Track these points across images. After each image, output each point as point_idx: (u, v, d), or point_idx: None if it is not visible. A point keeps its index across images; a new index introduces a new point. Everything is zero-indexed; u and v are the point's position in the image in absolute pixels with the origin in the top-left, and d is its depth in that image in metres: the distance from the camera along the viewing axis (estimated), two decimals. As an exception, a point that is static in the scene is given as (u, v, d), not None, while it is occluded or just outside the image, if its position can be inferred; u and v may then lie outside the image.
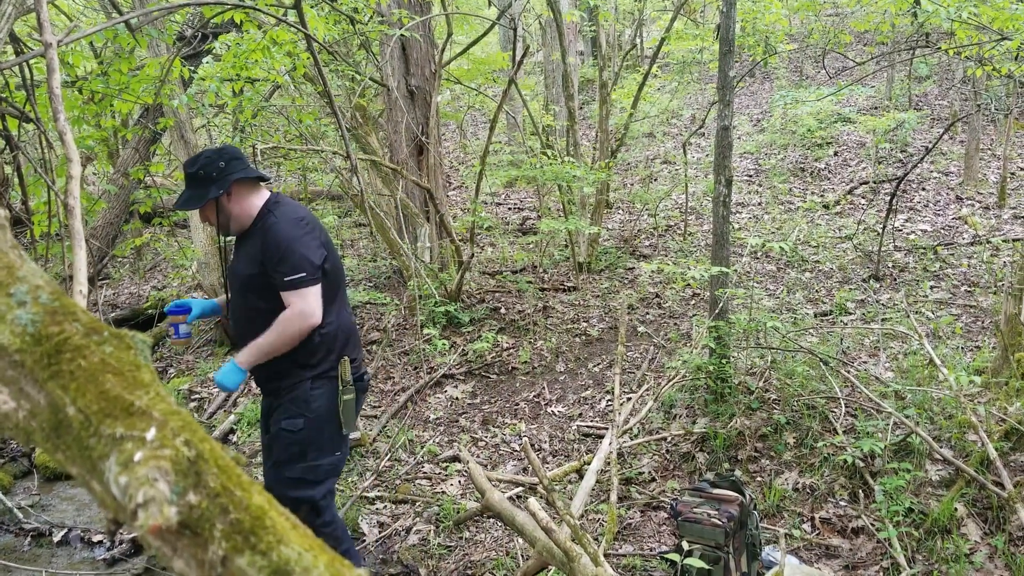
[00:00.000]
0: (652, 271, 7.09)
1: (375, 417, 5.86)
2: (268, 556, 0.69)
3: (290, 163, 8.55)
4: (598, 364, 6.27)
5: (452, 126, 14.36)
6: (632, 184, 10.37)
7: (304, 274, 3.15)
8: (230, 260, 3.51)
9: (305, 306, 3.19)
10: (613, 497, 3.64)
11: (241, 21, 5.15)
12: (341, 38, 6.67)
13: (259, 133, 6.90)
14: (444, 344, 6.40)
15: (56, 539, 4.60)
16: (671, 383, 5.33)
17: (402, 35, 6.16)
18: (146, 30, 4.07)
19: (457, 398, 6.12)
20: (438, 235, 7.35)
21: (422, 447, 5.43)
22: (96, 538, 4.58)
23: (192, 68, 5.50)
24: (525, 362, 6.40)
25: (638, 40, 12.32)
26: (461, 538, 4.52)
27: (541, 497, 4.29)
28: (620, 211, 9.75)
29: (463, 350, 6.58)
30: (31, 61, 3.39)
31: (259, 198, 3.29)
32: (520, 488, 4.68)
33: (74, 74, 4.19)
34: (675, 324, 6.69)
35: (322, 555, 0.71)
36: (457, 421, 5.83)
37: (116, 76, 4.33)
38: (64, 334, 0.78)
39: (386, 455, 5.27)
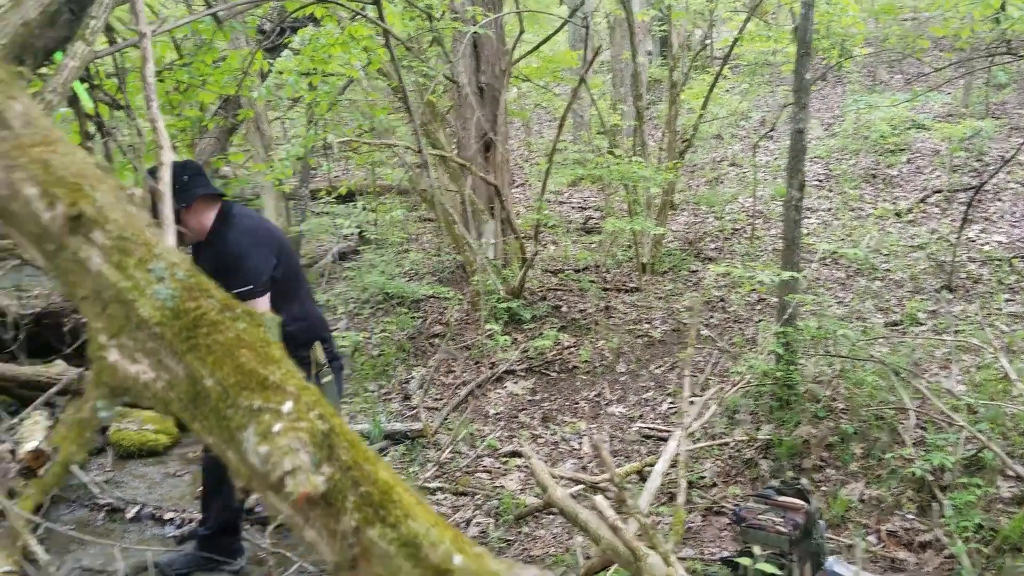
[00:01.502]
0: (719, 274, 7.02)
1: (436, 409, 5.92)
2: (397, 529, 0.71)
3: (360, 157, 8.67)
4: (660, 366, 6.24)
5: (516, 124, 14.39)
6: (698, 186, 10.28)
7: (251, 286, 3.34)
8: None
9: None
10: (680, 499, 3.63)
11: (320, 16, 5.24)
12: (415, 34, 6.74)
13: (332, 127, 7.02)
14: (506, 340, 6.43)
15: (129, 515, 4.74)
16: (736, 388, 5.28)
17: (475, 32, 6.20)
18: (230, 23, 4.17)
19: (517, 394, 6.15)
20: (502, 232, 7.39)
21: (482, 441, 5.46)
22: (167, 516, 4.71)
23: (270, 61, 5.62)
24: (586, 361, 6.39)
25: (709, 40, 12.18)
26: (520, 533, 4.55)
27: (607, 495, 4.29)
28: (685, 213, 9.68)
29: (524, 347, 6.60)
30: (121, 49, 3.51)
31: (214, 211, 3.48)
32: (580, 486, 4.68)
33: (160, 64, 4.32)
34: (740, 329, 6.62)
35: (447, 531, 0.73)
36: (517, 417, 5.85)
37: (200, 67, 4.45)
38: (201, 309, 0.82)
39: (447, 447, 5.32)
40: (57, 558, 4.20)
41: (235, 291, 3.28)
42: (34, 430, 5.11)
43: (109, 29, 3.78)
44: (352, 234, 8.84)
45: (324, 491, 0.71)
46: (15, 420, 5.46)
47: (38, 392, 5.86)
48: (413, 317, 7.24)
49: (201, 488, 4.29)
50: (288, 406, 0.75)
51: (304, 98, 6.14)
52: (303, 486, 0.68)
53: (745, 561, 2.93)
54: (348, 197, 9.09)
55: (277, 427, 0.72)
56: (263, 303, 3.43)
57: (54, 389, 5.79)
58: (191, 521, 4.63)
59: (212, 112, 5.36)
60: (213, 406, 0.79)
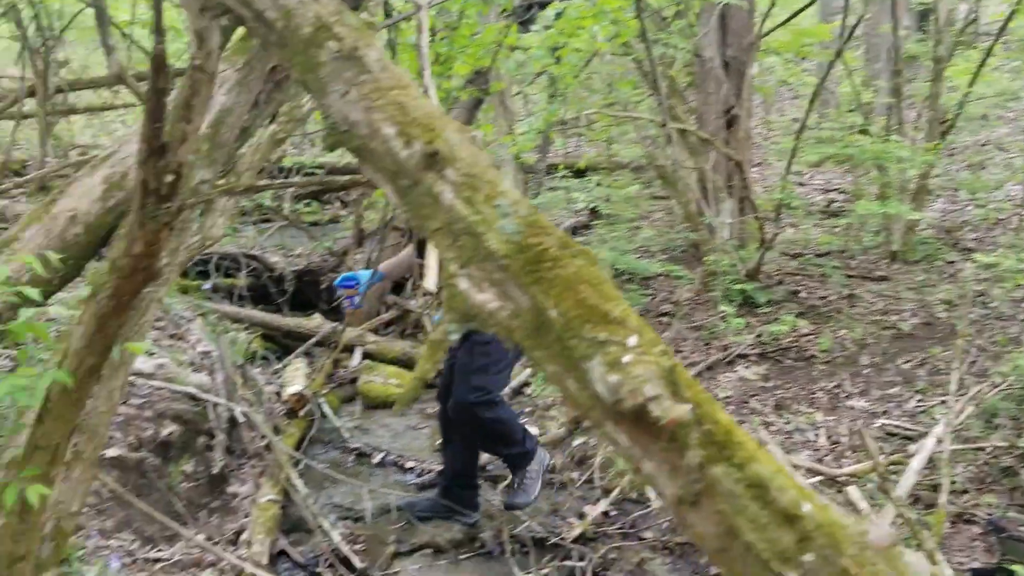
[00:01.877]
0: (983, 266, 6.43)
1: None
2: (743, 470, 0.71)
3: (596, 133, 8.70)
4: (908, 361, 5.82)
5: (754, 100, 13.85)
6: (957, 170, 9.45)
7: None
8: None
9: None
10: (942, 499, 3.38)
11: (573, -10, 5.29)
12: (662, 7, 6.67)
13: (574, 101, 7.10)
14: (739, 323, 6.25)
15: (374, 461, 5.10)
16: (997, 390, 4.84)
17: (725, 4, 6.04)
18: (492, -3, 4.32)
19: (749, 379, 5.96)
20: (740, 211, 7.18)
21: (711, 423, 5.36)
22: (408, 464, 5.03)
23: (519, 35, 5.76)
24: (825, 350, 6.08)
25: (974, 14, 11.13)
26: (749, 519, 4.42)
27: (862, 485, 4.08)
28: (942, 199, 8.93)
29: (758, 331, 6.38)
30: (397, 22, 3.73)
31: None
32: (819, 477, 4.48)
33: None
34: (1002, 327, 6.04)
35: (790, 479, 0.72)
36: (747, 403, 5.68)
37: (458, 40, 4.65)
38: (543, 245, 0.86)
39: (675, 426, 5.26)
40: (313, 492, 4.59)
41: None
42: (295, 375, 5.61)
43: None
44: (585, 209, 8.93)
45: (689, 420, 0.72)
46: (279, 366, 6.03)
47: (299, 342, 6.43)
48: (642, 294, 7.20)
49: (440, 441, 4.54)
50: (633, 340, 0.76)
51: (547, 72, 6.25)
52: (672, 412, 0.69)
53: (1020, 570, 2.68)
54: (582, 173, 9.18)
55: (627, 358, 0.74)
56: None
57: (312, 340, 6.33)
58: (430, 471, 4.91)
59: (464, 84, 5.59)
60: (556, 336, 0.82)
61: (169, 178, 1.62)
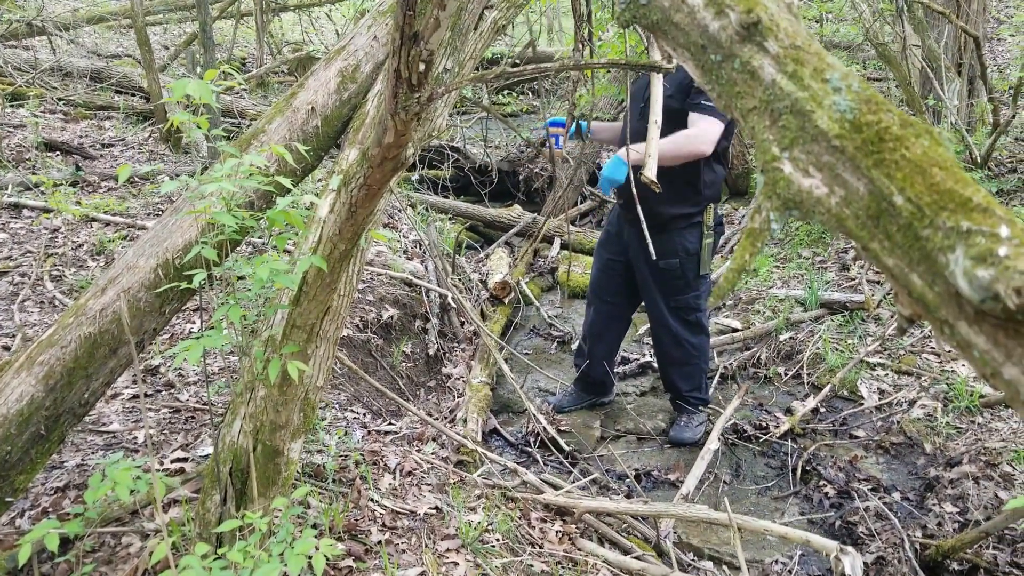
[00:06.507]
0: None
1: (878, 283, 5.56)
2: None
3: (804, 11, 8.08)
4: None
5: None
6: None
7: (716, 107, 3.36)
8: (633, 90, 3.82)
9: (706, 132, 3.37)
10: None
11: None
12: None
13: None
14: (965, 215, 5.75)
15: (574, 347, 5.17)
16: None
17: None
18: None
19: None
20: (968, 93, 6.52)
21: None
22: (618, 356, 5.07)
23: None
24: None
25: None
26: (973, 422, 4.18)
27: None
28: None
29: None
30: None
31: None
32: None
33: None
34: None
35: None
36: (972, 301, 5.28)
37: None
38: (883, 123, 0.77)
39: (890, 324, 4.99)
40: (520, 376, 4.74)
41: (703, 102, 3.47)
42: (499, 265, 5.74)
43: None
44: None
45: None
46: (483, 255, 6.18)
47: (499, 232, 6.55)
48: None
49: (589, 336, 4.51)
50: (1005, 231, 0.68)
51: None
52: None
53: None
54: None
55: (1002, 251, 0.66)
56: (718, 130, 3.44)
57: (513, 230, 6.43)
58: (633, 360, 4.95)
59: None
60: (902, 225, 0.75)
61: (421, 67, 1.61)
